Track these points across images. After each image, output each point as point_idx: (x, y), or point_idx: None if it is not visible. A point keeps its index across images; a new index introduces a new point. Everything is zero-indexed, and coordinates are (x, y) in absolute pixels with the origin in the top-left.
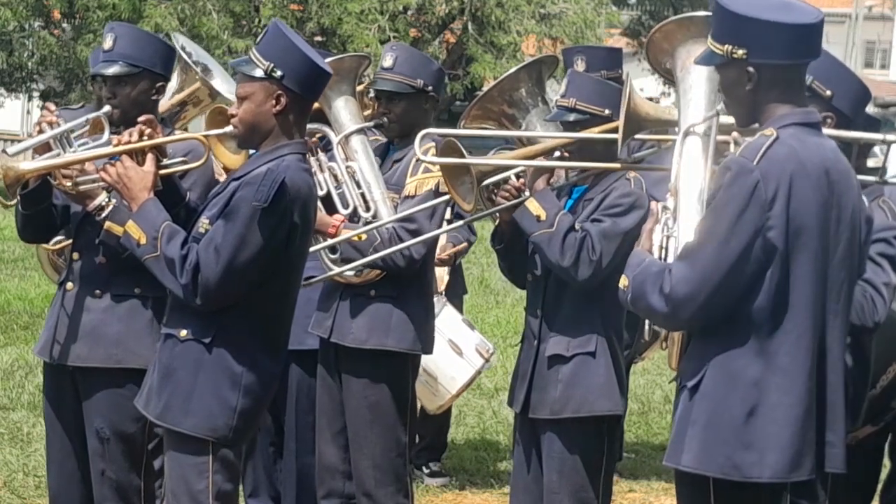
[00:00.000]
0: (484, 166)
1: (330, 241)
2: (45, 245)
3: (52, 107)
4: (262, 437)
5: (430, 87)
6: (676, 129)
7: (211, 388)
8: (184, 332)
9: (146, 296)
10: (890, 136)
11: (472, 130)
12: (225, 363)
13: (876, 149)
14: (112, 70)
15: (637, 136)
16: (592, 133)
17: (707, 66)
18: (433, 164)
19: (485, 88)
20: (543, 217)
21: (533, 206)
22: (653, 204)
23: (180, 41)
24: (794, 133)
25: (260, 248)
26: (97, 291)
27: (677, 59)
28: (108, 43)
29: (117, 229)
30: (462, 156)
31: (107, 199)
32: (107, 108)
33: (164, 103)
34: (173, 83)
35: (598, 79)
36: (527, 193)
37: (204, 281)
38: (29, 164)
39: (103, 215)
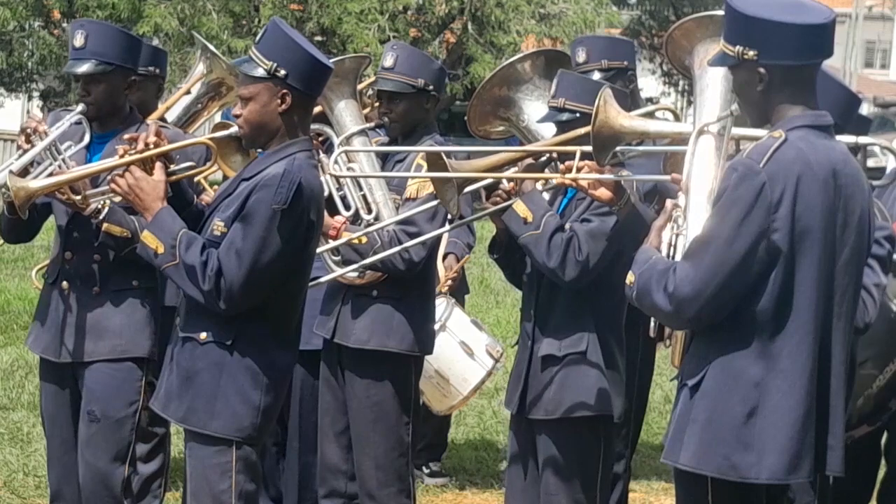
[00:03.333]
0: (467, 171)
1: (332, 244)
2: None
3: (38, 115)
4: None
5: (431, 87)
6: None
7: (235, 389)
8: (203, 335)
9: (144, 287)
10: (863, 139)
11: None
12: (247, 364)
13: (876, 148)
14: (84, 68)
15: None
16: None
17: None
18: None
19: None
20: (530, 219)
21: (520, 208)
22: (668, 202)
23: (201, 38)
24: (804, 135)
25: (280, 249)
26: (95, 289)
27: (695, 57)
28: (78, 40)
29: (115, 230)
30: (444, 162)
31: (102, 202)
32: (80, 106)
33: (188, 96)
34: (201, 68)
35: (585, 77)
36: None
37: (228, 286)
38: (38, 183)
39: (101, 217)
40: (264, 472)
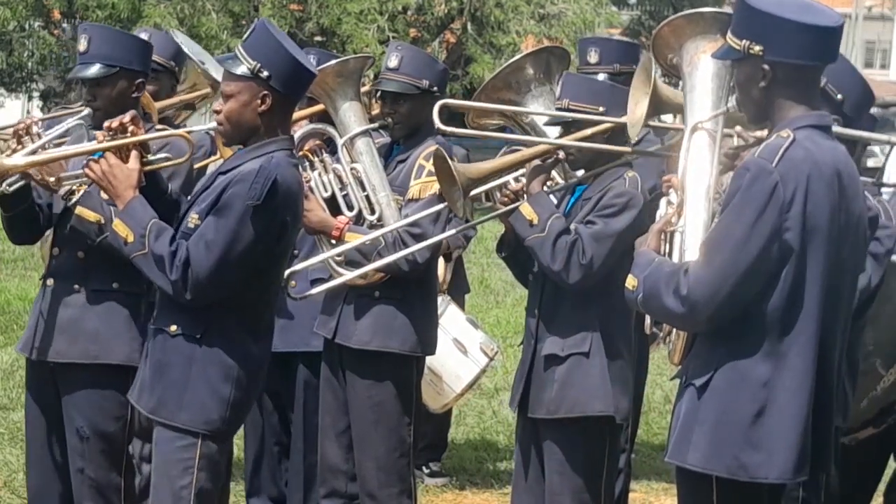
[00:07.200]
0: (473, 174)
1: (337, 250)
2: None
3: (36, 117)
4: (268, 436)
5: (435, 88)
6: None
7: (204, 381)
8: (174, 328)
9: (124, 290)
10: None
11: (488, 105)
12: (217, 357)
13: (876, 148)
14: (90, 72)
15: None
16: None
17: (715, 64)
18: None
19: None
20: (536, 221)
21: (526, 210)
22: (662, 202)
23: (179, 38)
24: (809, 135)
25: (251, 244)
26: (75, 286)
27: (685, 54)
28: (83, 45)
29: (89, 214)
30: (450, 166)
31: (78, 184)
32: (86, 110)
33: (173, 100)
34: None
35: (589, 77)
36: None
37: (195, 276)
38: (13, 161)
39: (74, 200)
40: (266, 473)
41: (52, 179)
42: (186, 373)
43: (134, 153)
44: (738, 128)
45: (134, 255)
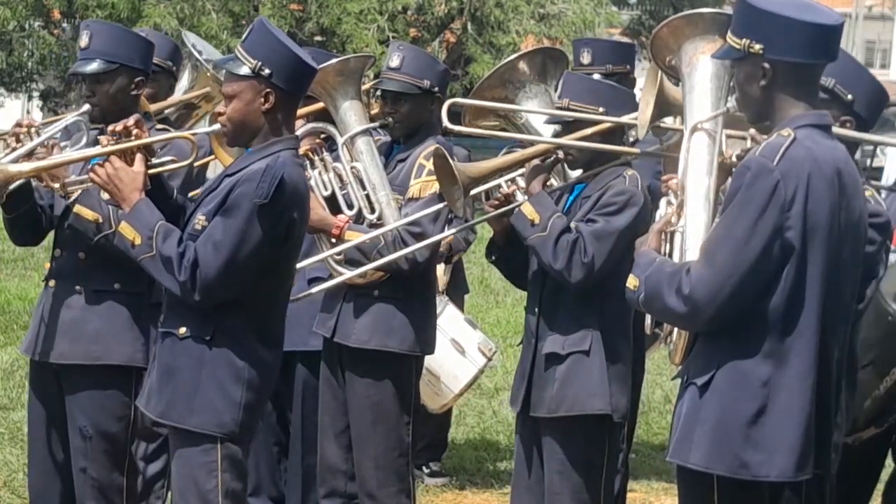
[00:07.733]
0: (473, 173)
1: (337, 248)
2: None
3: (36, 120)
4: (267, 436)
5: (436, 88)
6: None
7: (214, 384)
8: (182, 330)
9: (125, 291)
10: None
11: (494, 104)
12: (227, 359)
13: (877, 148)
14: (90, 68)
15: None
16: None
17: (714, 64)
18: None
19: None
20: (537, 221)
21: (528, 209)
22: (662, 202)
23: (191, 39)
24: (809, 134)
25: (259, 243)
26: (77, 287)
27: (683, 55)
28: (84, 41)
29: (87, 213)
30: (451, 165)
31: (83, 188)
32: (86, 107)
33: (173, 100)
34: (184, 82)
35: (590, 77)
36: (520, 198)
37: (203, 277)
38: (18, 167)
39: (72, 198)
40: (265, 473)
41: (56, 186)
42: (196, 376)
43: (139, 156)
44: (752, 130)
45: (142, 258)
